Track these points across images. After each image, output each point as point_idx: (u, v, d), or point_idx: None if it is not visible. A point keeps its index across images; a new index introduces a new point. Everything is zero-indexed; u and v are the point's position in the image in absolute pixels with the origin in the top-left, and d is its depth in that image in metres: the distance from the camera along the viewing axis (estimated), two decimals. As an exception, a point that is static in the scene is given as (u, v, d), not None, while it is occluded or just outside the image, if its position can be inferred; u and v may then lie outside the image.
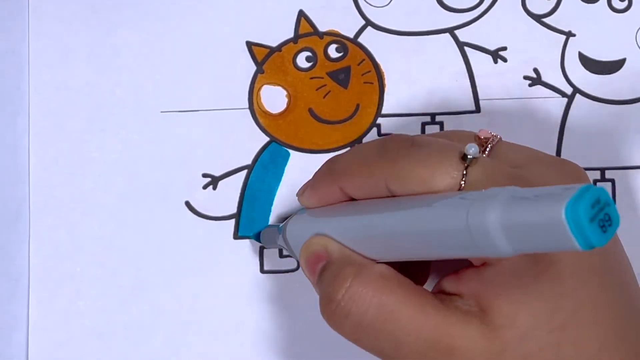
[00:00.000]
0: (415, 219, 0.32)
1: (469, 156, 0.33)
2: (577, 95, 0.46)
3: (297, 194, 0.39)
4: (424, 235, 0.32)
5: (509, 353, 0.32)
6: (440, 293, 0.34)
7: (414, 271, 0.37)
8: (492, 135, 0.36)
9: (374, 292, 0.33)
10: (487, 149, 0.36)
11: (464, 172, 0.33)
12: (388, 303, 0.33)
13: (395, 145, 0.35)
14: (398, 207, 0.33)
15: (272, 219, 0.46)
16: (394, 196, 0.35)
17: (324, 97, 0.46)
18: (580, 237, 0.26)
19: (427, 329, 0.33)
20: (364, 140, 0.46)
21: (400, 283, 0.34)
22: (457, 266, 0.34)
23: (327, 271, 0.35)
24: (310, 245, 0.36)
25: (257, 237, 0.45)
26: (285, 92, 0.46)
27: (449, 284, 0.34)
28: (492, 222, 0.28)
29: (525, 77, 0.46)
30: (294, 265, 0.46)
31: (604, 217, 0.26)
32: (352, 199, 0.37)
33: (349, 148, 0.46)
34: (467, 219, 0.29)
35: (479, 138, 0.36)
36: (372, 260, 0.35)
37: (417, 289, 0.34)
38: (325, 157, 0.46)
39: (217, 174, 0.46)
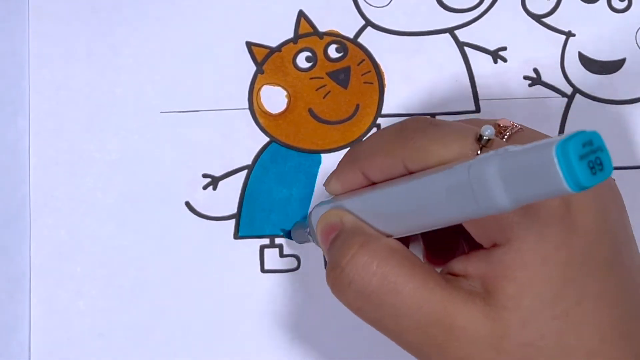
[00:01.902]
0: (424, 183, 0.33)
1: (484, 137, 0.33)
2: (577, 95, 0.46)
3: (324, 184, 0.39)
4: (432, 198, 0.32)
5: (511, 338, 0.32)
6: (447, 274, 0.35)
7: (436, 256, 0.38)
8: (513, 124, 0.37)
9: (378, 262, 0.34)
10: (506, 136, 0.36)
11: (478, 152, 0.33)
12: (392, 275, 0.33)
13: (413, 125, 0.35)
14: (410, 178, 0.34)
15: (273, 219, 0.46)
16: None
17: (324, 97, 0.46)
18: (568, 174, 0.27)
19: (428, 305, 0.33)
20: (364, 140, 0.46)
21: (406, 257, 0.34)
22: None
23: (337, 240, 0.36)
24: (327, 217, 0.37)
25: (288, 235, 0.45)
26: (285, 92, 0.46)
27: (457, 265, 0.34)
28: (490, 172, 0.29)
29: (525, 77, 0.46)
30: (294, 265, 0.46)
31: (595, 160, 0.27)
32: (374, 184, 0.37)
33: (348, 148, 0.46)
34: (469, 173, 0.30)
35: (499, 126, 0.37)
36: (386, 234, 0.35)
37: (423, 265, 0.34)
38: (325, 157, 0.46)
39: (217, 174, 0.46)
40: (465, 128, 0.34)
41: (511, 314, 0.32)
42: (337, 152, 0.46)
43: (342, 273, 0.34)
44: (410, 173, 0.35)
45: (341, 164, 0.38)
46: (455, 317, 0.33)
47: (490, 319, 0.32)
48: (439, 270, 0.35)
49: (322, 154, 0.46)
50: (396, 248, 0.34)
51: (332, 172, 0.39)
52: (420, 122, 0.35)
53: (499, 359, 0.32)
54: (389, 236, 0.35)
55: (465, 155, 0.33)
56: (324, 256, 0.45)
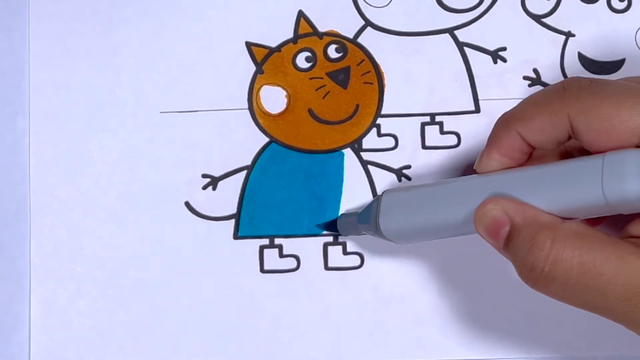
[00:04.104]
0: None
1: None
2: (577, 95, 0.46)
3: (475, 166, 0.39)
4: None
5: None
6: (629, 237, 0.35)
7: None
8: None
9: (573, 251, 0.34)
10: None
11: None
12: (589, 260, 0.34)
13: (577, 84, 0.36)
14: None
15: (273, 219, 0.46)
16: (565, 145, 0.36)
17: (324, 97, 0.46)
18: None
19: (631, 276, 0.33)
20: (364, 140, 0.46)
21: (594, 237, 0.34)
22: None
23: (517, 238, 0.35)
24: (487, 212, 0.36)
25: (327, 227, 0.45)
26: (284, 93, 0.46)
27: (635, 228, 0.35)
28: None
29: (525, 77, 0.46)
30: (294, 265, 0.46)
31: None
32: (530, 153, 0.37)
33: (347, 148, 0.46)
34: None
35: None
36: (558, 215, 0.35)
37: (611, 240, 0.34)
38: (325, 157, 0.46)
39: (216, 174, 0.46)
40: (633, 86, 0.35)
41: None
42: (336, 153, 0.46)
43: (543, 274, 0.34)
44: (570, 139, 0.35)
45: (494, 131, 0.38)
46: None
47: None
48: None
49: (318, 153, 0.46)
50: (583, 232, 0.34)
51: (483, 150, 0.39)
52: (583, 81, 0.36)
53: None
54: (564, 219, 0.35)
55: (636, 112, 0.33)
56: (323, 256, 0.45)
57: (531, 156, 0.38)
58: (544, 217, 0.35)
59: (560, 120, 0.35)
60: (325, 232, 0.45)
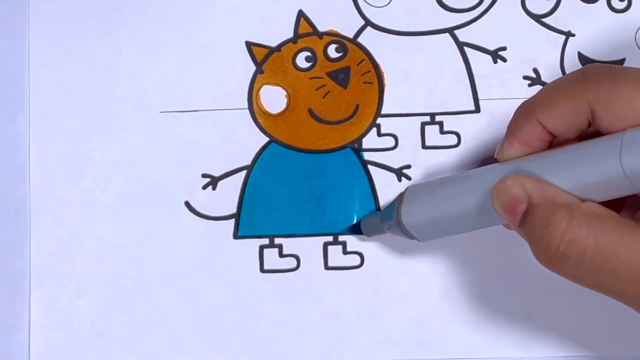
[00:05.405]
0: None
1: None
2: (577, 95, 0.46)
3: (495, 155, 0.39)
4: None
5: None
6: None
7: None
8: None
9: (589, 232, 0.34)
10: None
11: None
12: (605, 241, 0.34)
13: (596, 70, 0.36)
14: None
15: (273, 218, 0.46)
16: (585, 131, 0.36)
17: (324, 97, 0.46)
18: None
19: None
20: (364, 140, 0.46)
21: (612, 219, 0.34)
22: None
23: (533, 216, 0.35)
24: (506, 188, 0.36)
25: (352, 230, 0.45)
26: (284, 92, 0.46)
27: None
28: None
29: (525, 77, 0.46)
30: (294, 265, 0.46)
31: None
32: (550, 141, 0.37)
33: (348, 147, 0.46)
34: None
35: None
36: (577, 196, 0.35)
37: (628, 223, 0.34)
38: (325, 157, 0.46)
39: (216, 174, 0.46)
40: None
41: None
42: (336, 153, 0.46)
43: (557, 253, 0.34)
44: (589, 127, 0.35)
45: (515, 119, 0.38)
46: None
47: None
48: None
49: (318, 153, 0.46)
50: (600, 213, 0.34)
51: (503, 139, 0.38)
52: (604, 68, 0.36)
53: None
54: (583, 200, 0.35)
55: None
56: (323, 255, 0.45)
57: (551, 145, 0.38)
58: (563, 197, 0.35)
59: (580, 107, 0.35)
60: (324, 232, 0.45)
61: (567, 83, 0.36)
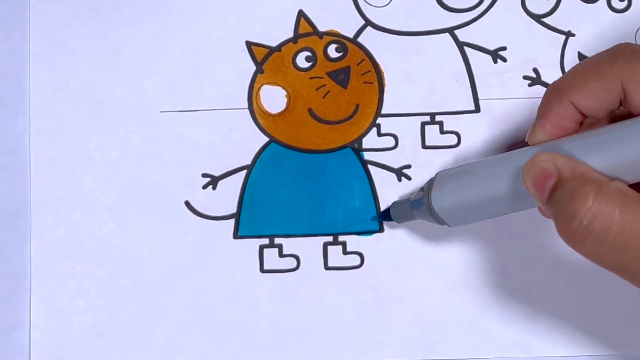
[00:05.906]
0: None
1: None
2: (577, 95, 0.46)
3: (526, 139, 0.39)
4: None
5: None
6: None
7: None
8: None
9: (615, 209, 0.33)
10: None
11: None
12: (631, 219, 0.33)
13: (628, 48, 0.36)
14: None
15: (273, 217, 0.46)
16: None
17: (324, 97, 0.46)
18: None
19: None
20: (364, 140, 0.46)
21: (637, 198, 0.34)
22: None
23: (561, 189, 0.35)
24: (537, 163, 0.36)
25: (382, 217, 0.45)
26: (284, 92, 0.46)
27: None
28: None
29: (525, 77, 0.46)
30: (294, 265, 0.46)
31: None
32: (581, 122, 0.37)
33: (349, 147, 0.46)
34: None
35: None
36: (607, 176, 0.35)
37: None
38: (325, 157, 0.46)
39: (216, 174, 0.46)
40: None
41: None
42: (336, 153, 0.46)
43: (581, 226, 0.33)
44: (620, 106, 0.35)
45: (545, 101, 0.38)
46: None
47: None
48: None
49: (318, 153, 0.46)
50: (625, 191, 0.34)
51: (534, 122, 0.38)
52: (636, 46, 0.36)
53: None
54: (612, 179, 0.35)
55: None
56: (323, 255, 0.45)
57: (581, 126, 0.38)
58: (593, 174, 0.35)
59: (612, 85, 0.35)
60: (324, 232, 0.45)
61: (598, 62, 0.36)
